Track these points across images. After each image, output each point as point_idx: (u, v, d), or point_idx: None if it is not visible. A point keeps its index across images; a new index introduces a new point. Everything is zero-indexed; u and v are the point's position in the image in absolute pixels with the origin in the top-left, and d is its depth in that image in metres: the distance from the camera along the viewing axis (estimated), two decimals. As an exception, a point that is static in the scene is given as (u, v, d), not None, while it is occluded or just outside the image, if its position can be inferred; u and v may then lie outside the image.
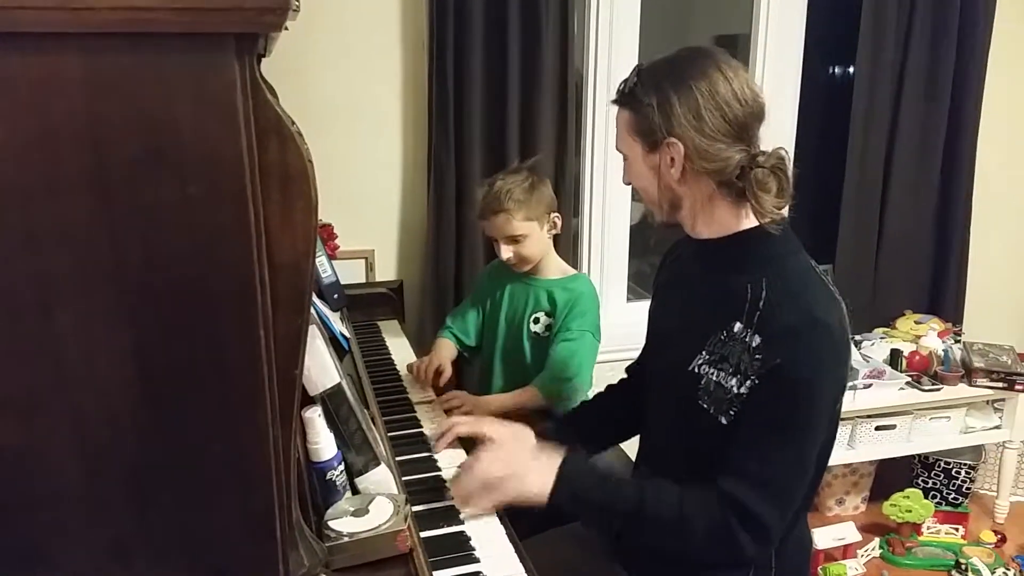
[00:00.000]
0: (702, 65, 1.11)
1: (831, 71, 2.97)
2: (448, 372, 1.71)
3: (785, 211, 1.14)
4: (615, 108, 1.19)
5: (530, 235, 1.64)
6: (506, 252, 1.66)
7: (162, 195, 0.68)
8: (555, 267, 1.74)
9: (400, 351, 1.84)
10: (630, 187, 1.25)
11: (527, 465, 1.17)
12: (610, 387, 1.52)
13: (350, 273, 2.11)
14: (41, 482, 0.74)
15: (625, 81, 1.17)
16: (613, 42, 2.28)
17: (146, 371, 0.72)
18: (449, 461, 1.32)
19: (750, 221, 1.15)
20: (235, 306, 0.71)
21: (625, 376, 1.51)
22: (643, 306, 1.41)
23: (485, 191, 1.66)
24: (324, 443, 0.94)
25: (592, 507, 1.17)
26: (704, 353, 1.15)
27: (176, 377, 0.73)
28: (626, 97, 1.16)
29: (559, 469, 1.16)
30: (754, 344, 1.08)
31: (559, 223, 1.71)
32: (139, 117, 0.66)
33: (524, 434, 1.34)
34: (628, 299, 2.53)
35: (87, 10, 0.63)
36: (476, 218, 1.73)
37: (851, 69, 2.50)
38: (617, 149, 1.21)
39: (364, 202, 2.17)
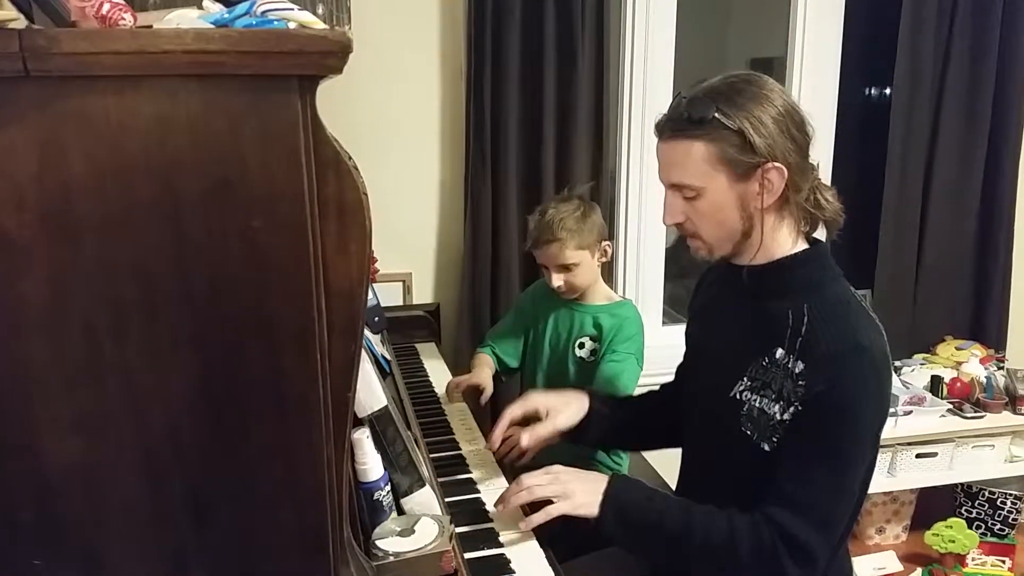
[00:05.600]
0: (764, 83, 1.08)
1: (868, 92, 2.96)
2: (490, 390, 1.70)
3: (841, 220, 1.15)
4: (652, 136, 1.15)
5: (581, 263, 1.66)
6: (556, 280, 1.68)
7: (228, 227, 0.71)
8: (601, 293, 1.76)
9: (438, 373, 1.87)
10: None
11: (574, 482, 1.17)
12: (641, 395, 1.52)
13: (387, 296, 2.14)
14: (108, 495, 0.77)
15: (683, 110, 1.07)
16: (648, 67, 2.31)
17: (209, 393, 0.75)
18: (489, 485, 1.33)
19: (796, 245, 1.16)
20: (294, 332, 0.74)
21: (657, 390, 1.51)
22: (678, 330, 1.42)
23: (537, 220, 1.67)
24: (372, 464, 0.96)
25: (639, 525, 1.14)
26: (745, 379, 1.15)
27: (237, 399, 0.76)
28: (697, 125, 1.05)
29: (607, 485, 1.16)
30: (797, 370, 1.09)
31: (609, 251, 1.73)
32: (208, 153, 0.70)
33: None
34: (664, 323, 2.53)
35: (163, 54, 0.67)
36: (527, 247, 1.74)
37: (888, 91, 2.49)
38: (672, 184, 1.12)
39: (401, 226, 2.21)
